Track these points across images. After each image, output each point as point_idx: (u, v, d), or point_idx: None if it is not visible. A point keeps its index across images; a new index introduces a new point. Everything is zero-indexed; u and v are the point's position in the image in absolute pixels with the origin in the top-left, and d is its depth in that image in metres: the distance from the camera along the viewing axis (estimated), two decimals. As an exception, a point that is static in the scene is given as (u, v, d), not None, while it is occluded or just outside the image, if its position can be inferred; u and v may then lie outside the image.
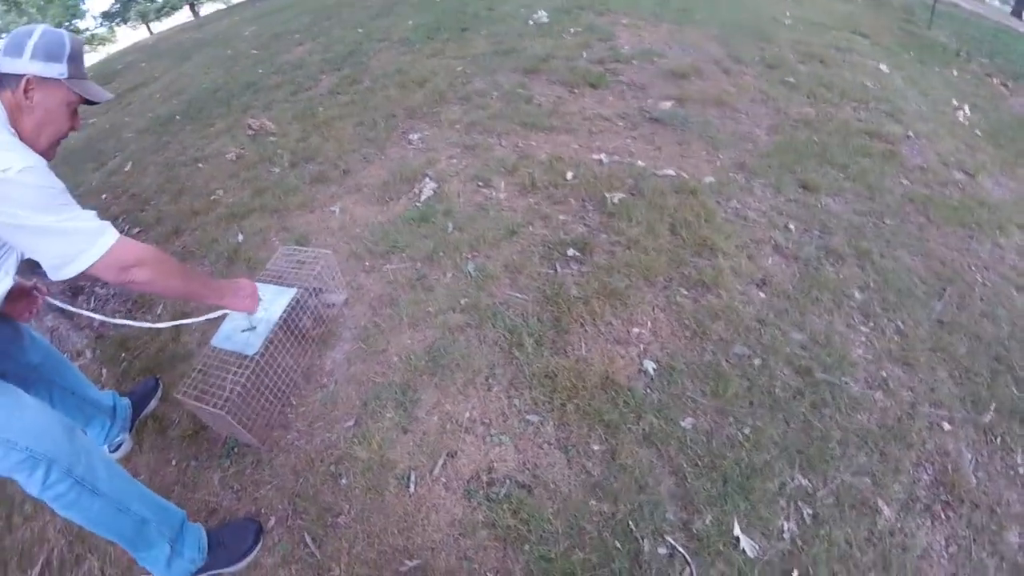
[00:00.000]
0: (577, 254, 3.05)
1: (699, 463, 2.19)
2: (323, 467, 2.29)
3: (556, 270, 2.97)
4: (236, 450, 2.39)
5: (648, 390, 2.41)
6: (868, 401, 2.44)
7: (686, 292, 2.83)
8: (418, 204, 3.54)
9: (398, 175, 3.82)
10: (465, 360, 2.58)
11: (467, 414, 2.40)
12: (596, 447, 2.24)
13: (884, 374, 2.57)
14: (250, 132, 4.74)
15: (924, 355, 2.67)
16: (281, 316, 2.23)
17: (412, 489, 2.18)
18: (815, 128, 4.34)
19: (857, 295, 2.95)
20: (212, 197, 4.08)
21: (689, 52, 5.48)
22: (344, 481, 2.24)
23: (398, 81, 5.15)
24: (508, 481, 2.17)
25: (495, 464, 2.23)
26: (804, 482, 2.16)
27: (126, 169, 4.92)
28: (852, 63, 5.81)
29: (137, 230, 4.04)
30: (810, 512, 2.08)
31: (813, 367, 2.53)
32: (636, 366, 2.50)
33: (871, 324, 2.81)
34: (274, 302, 2.29)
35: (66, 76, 1.63)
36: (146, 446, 2.49)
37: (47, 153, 1.67)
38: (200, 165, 4.51)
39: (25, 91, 1.57)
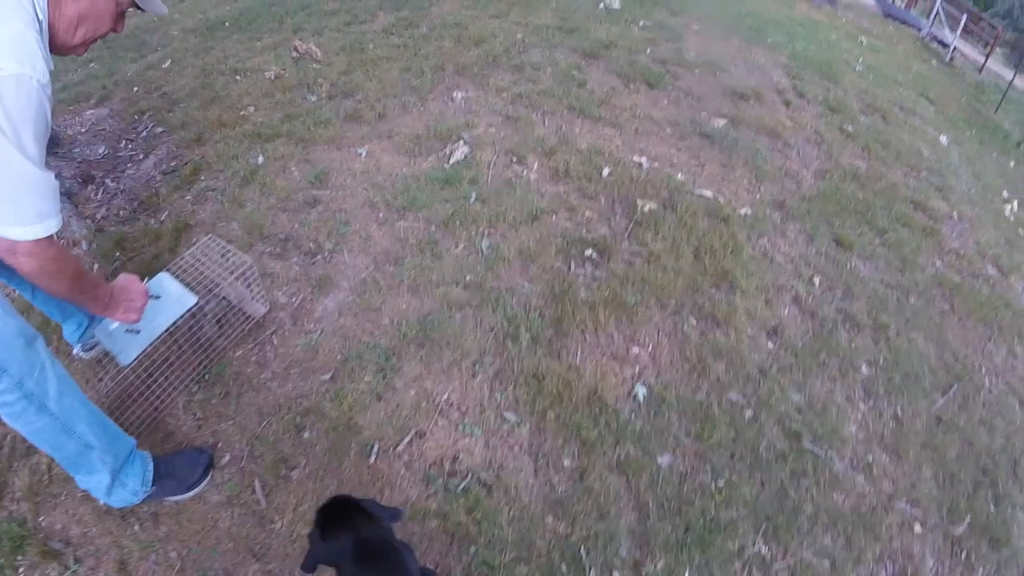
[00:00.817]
0: (595, 256, 2.90)
1: (666, 504, 2.08)
2: (289, 416, 2.18)
3: (570, 267, 2.82)
4: (207, 378, 2.28)
5: (633, 416, 2.29)
6: (848, 482, 2.32)
7: (695, 322, 2.69)
8: (446, 165, 3.38)
9: (433, 131, 3.65)
10: (456, 339, 2.45)
11: (445, 396, 2.29)
12: (567, 462, 2.13)
13: (871, 458, 2.44)
14: (295, 54, 4.54)
15: (915, 448, 2.54)
16: (167, 329, 1.97)
17: (372, 460, 2.09)
18: (862, 184, 4.14)
19: (864, 369, 2.81)
20: (242, 112, 3.91)
21: (754, 73, 5.25)
22: (307, 435, 2.14)
23: (455, 35, 4.92)
24: (470, 475, 2.07)
25: (461, 455, 2.13)
26: (764, 550, 2.04)
27: (164, 66, 4.73)
28: (913, 126, 5.57)
29: (161, 130, 3.88)
30: (762, 584, 1.96)
31: (803, 433, 2.40)
32: (627, 388, 2.38)
33: (871, 403, 2.68)
34: (166, 310, 1.99)
35: None
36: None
37: (77, 49, 1.46)
38: (238, 77, 4.33)
39: None
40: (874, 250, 3.56)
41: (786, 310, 2.93)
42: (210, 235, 2.33)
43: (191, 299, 2.03)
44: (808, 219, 3.57)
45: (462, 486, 2.03)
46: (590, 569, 1.89)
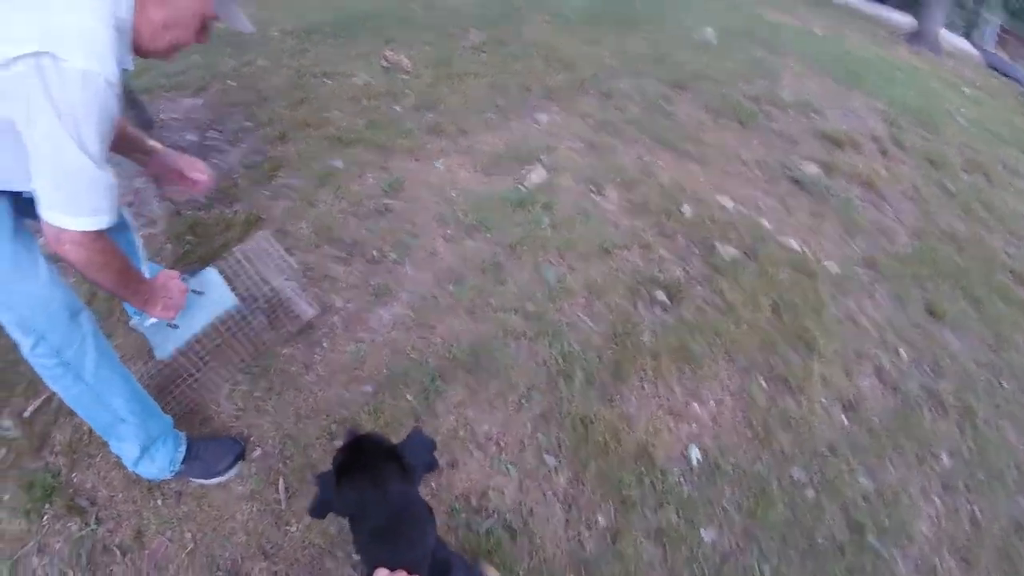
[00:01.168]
0: (665, 299, 2.72)
1: (702, 586, 1.88)
2: (325, 422, 2.13)
3: (637, 308, 2.66)
4: (255, 370, 2.25)
5: (682, 480, 2.10)
6: None
7: (765, 385, 2.47)
8: (522, 187, 3.28)
9: (512, 151, 3.56)
10: (507, 370, 2.33)
11: (485, 428, 2.16)
12: (601, 520, 1.97)
13: (938, 563, 2.17)
14: (385, 64, 4.56)
15: (988, 556, 2.24)
16: (203, 329, 1.92)
17: None
18: (960, 247, 3.80)
19: (945, 459, 2.53)
20: (327, 115, 3.93)
21: (849, 118, 4.94)
22: (338, 442, 2.02)
23: (544, 56, 4.84)
24: (496, 516, 1.94)
25: (491, 492, 2.00)
26: None
27: (259, 63, 4.84)
28: (1018, 188, 5.10)
29: (249, 124, 3.95)
30: None
31: (867, 526, 2.16)
32: (681, 448, 2.19)
33: (947, 499, 2.40)
34: (206, 307, 1.96)
35: None
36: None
37: (162, 54, 1.45)
38: (327, 81, 4.37)
39: None
40: (968, 322, 3.24)
41: (866, 381, 2.68)
42: (263, 232, 2.27)
43: (232, 300, 1.99)
44: (900, 282, 3.28)
45: (486, 527, 1.90)
46: (610, 642, 1.73)
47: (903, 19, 13.42)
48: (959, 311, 3.29)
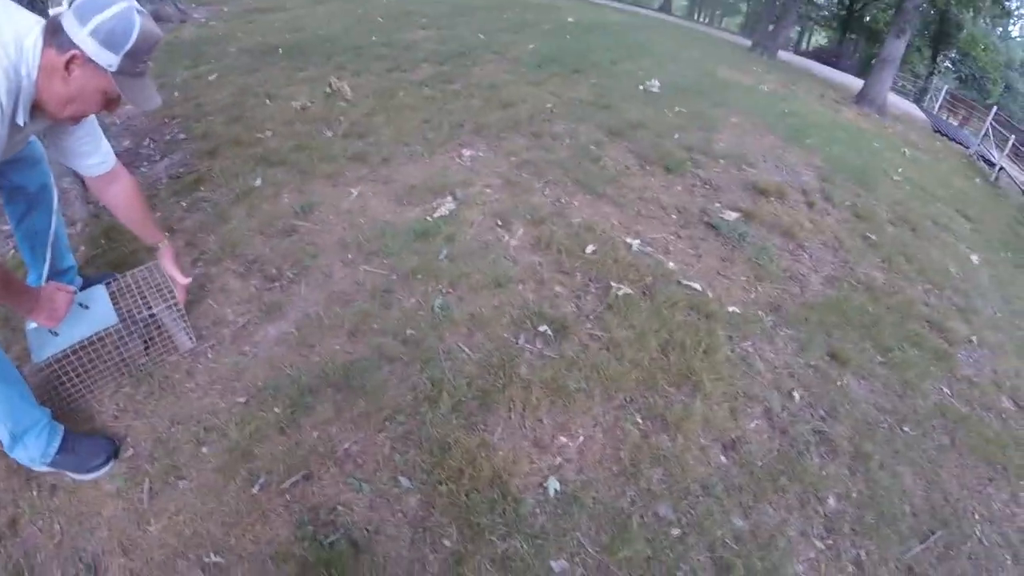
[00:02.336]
0: (549, 333, 2.71)
1: (545, 619, 1.82)
2: (195, 428, 2.16)
3: (519, 341, 2.65)
4: (142, 374, 2.31)
5: (537, 511, 2.05)
6: None
7: (640, 421, 2.45)
8: (428, 219, 3.30)
9: (428, 183, 3.60)
10: (375, 391, 2.31)
11: (346, 446, 2.14)
12: (447, 543, 1.91)
13: (812, 610, 2.10)
14: (327, 90, 4.67)
15: None
16: (77, 342, 2.04)
17: (255, 490, 1.99)
18: (876, 297, 3.84)
19: (831, 502, 2.48)
20: (259, 135, 4.00)
21: (782, 171, 5.05)
22: (204, 450, 2.10)
23: (486, 96, 4.96)
24: (343, 531, 1.91)
25: (341, 508, 1.97)
26: None
27: (210, 79, 4.93)
28: (944, 242, 5.22)
29: (183, 136, 4.04)
30: None
31: (735, 567, 2.09)
32: (539, 479, 2.15)
33: (830, 541, 2.34)
34: (88, 322, 2.08)
35: (114, 70, 1.55)
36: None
37: (70, 120, 1.66)
38: (268, 102, 4.46)
39: (68, 63, 1.50)
40: (873, 369, 3.24)
41: (752, 423, 2.65)
42: (154, 263, 2.33)
43: (113, 319, 2.11)
44: (804, 327, 3.29)
45: (331, 540, 1.87)
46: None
47: (854, 82, 14.02)
48: (866, 358, 3.30)
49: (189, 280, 2.36)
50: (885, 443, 2.84)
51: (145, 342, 2.34)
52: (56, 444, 1.91)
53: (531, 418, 2.32)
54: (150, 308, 2.24)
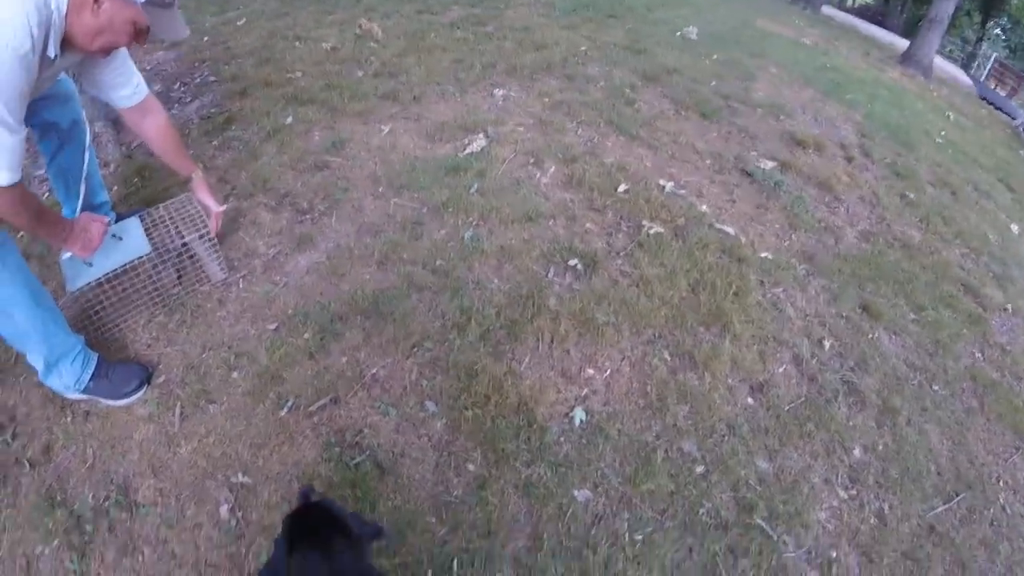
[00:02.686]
0: (579, 267, 2.67)
1: (564, 543, 1.82)
2: (226, 354, 2.18)
3: (548, 274, 2.61)
4: (174, 303, 2.33)
5: (562, 440, 2.04)
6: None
7: (668, 358, 2.41)
8: (459, 155, 3.24)
9: (460, 121, 3.54)
10: (404, 318, 2.30)
11: (374, 371, 2.15)
12: (471, 467, 1.92)
13: (834, 555, 2.06)
14: (357, 31, 4.57)
15: (892, 556, 2.13)
16: (111, 271, 2.05)
17: (283, 413, 2.01)
18: (911, 256, 3.71)
19: (857, 452, 2.43)
20: (289, 75, 3.96)
21: (821, 124, 4.86)
22: (235, 375, 2.13)
23: (519, 38, 4.82)
24: (369, 453, 1.92)
25: (367, 431, 1.98)
26: None
27: (238, 23, 4.86)
28: (984, 208, 4.99)
29: (213, 79, 4.01)
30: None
31: (758, 507, 2.07)
32: (565, 409, 2.14)
33: (853, 491, 2.30)
34: (122, 252, 2.09)
35: (143, 0, 1.56)
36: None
37: (99, 53, 1.63)
38: (297, 44, 4.39)
39: None
40: (905, 326, 3.15)
41: (781, 368, 2.60)
42: (187, 194, 2.33)
43: (146, 248, 2.12)
44: (837, 277, 3.20)
45: (356, 461, 1.89)
46: (456, 585, 1.67)
47: (900, 42, 13.38)
48: (898, 314, 3.20)
49: (224, 207, 2.36)
50: (914, 400, 2.76)
51: (178, 272, 2.35)
52: (90, 371, 1.95)
53: (559, 349, 2.30)
54: (183, 237, 2.24)
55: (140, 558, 1.70)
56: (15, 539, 1.73)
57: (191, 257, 2.35)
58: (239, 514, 1.78)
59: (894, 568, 2.11)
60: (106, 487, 1.83)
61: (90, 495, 1.81)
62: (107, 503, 1.80)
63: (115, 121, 3.37)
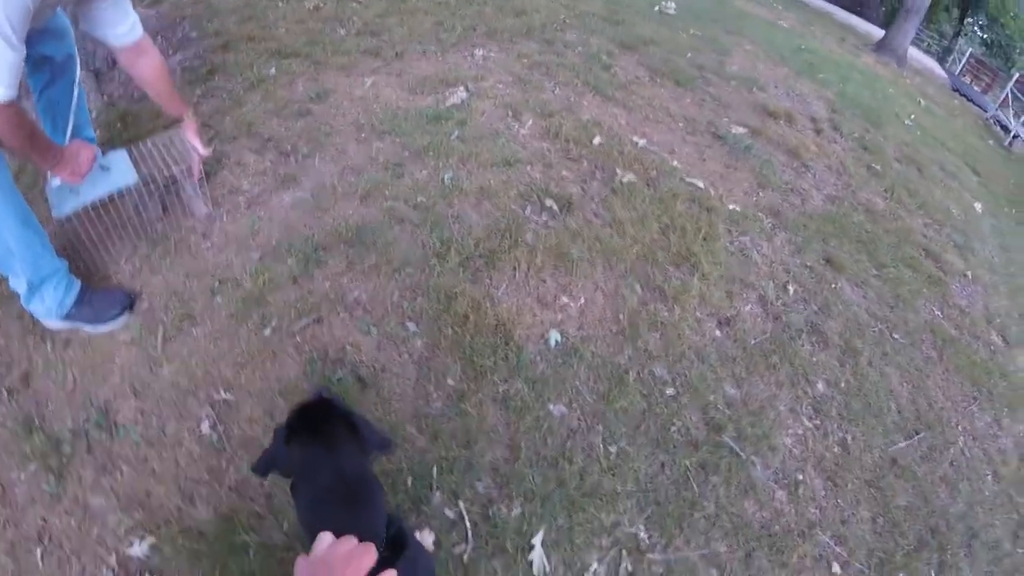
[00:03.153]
0: (554, 208, 2.73)
1: (542, 452, 1.89)
2: (210, 281, 2.20)
3: (524, 212, 2.67)
4: (156, 236, 2.33)
5: (537, 359, 2.11)
6: (766, 494, 2.05)
7: (639, 290, 2.49)
8: (441, 106, 3.27)
9: (441, 76, 3.56)
10: (386, 247, 2.35)
11: (356, 294, 2.19)
12: (450, 382, 1.98)
13: (800, 477, 2.16)
14: (341, -7, 4.54)
15: (856, 483, 2.23)
16: (96, 198, 2.05)
17: (267, 332, 2.04)
18: (875, 220, 3.83)
19: (820, 386, 2.54)
20: (272, 31, 3.94)
21: (792, 99, 4.98)
22: (218, 299, 2.15)
23: (499, 4, 4.85)
24: (350, 368, 1.97)
25: (349, 347, 2.03)
26: (643, 535, 1.82)
27: (219, -19, 4.78)
28: (948, 187, 5.14)
29: (195, 34, 3.96)
30: (628, 568, 1.74)
31: (726, 428, 2.16)
32: (541, 331, 2.20)
33: (817, 421, 2.40)
34: (108, 181, 2.09)
35: None
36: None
37: None
38: (280, 3, 4.37)
39: None
40: (867, 279, 3.26)
41: (748, 307, 2.70)
42: (176, 129, 2.32)
43: (133, 178, 2.12)
44: (802, 232, 3.30)
45: (338, 376, 1.93)
46: (436, 490, 1.73)
47: (876, 32, 13.61)
48: (860, 268, 3.31)
49: (209, 151, 2.36)
50: (875, 344, 2.87)
51: (163, 207, 2.36)
52: (73, 296, 1.94)
53: (535, 278, 2.36)
54: (169, 169, 2.24)
55: (119, 476, 1.71)
56: (-9, 467, 1.70)
57: (177, 191, 2.36)
58: (220, 429, 1.81)
59: (858, 494, 2.21)
60: (86, 410, 1.83)
61: (69, 419, 1.80)
62: (86, 425, 1.79)
63: (96, 72, 3.37)
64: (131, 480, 1.71)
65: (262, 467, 1.11)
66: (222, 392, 1.89)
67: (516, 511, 1.75)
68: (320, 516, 0.98)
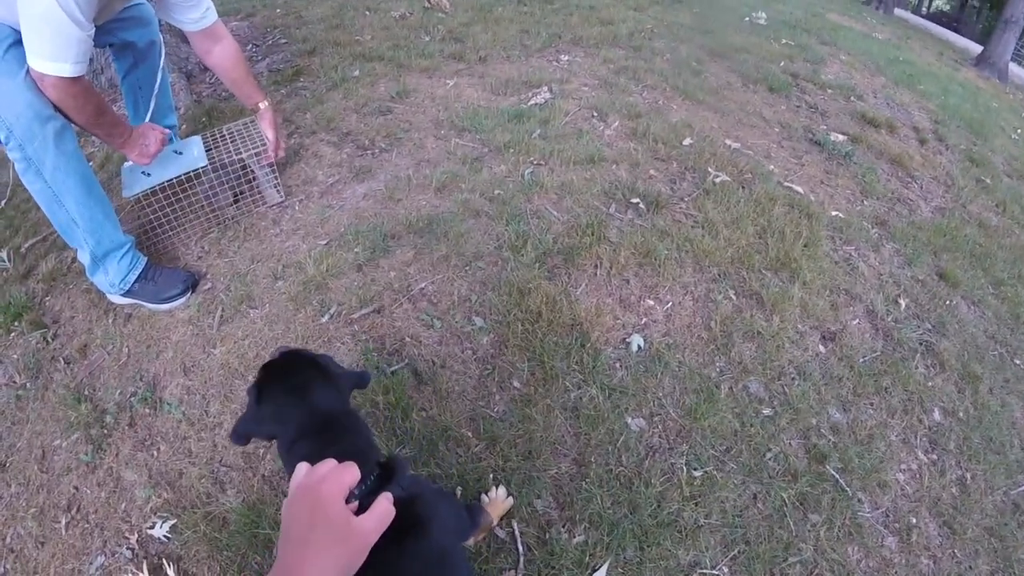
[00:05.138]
0: (641, 206, 2.40)
1: (613, 472, 1.56)
2: (274, 265, 2.05)
3: (609, 210, 2.35)
4: (228, 222, 2.22)
5: (616, 365, 1.78)
6: (873, 539, 1.63)
7: (734, 296, 2.11)
8: (524, 105, 3.02)
9: (524, 78, 3.32)
10: (457, 237, 2.11)
11: (422, 285, 1.95)
12: (516, 384, 1.68)
13: (914, 521, 1.73)
14: (427, 5, 4.43)
15: (976, 531, 1.78)
16: (170, 179, 1.97)
17: (325, 319, 1.84)
18: (988, 235, 3.26)
19: (937, 415, 2.08)
20: (358, 38, 3.85)
21: (893, 108, 4.41)
22: (280, 283, 1.98)
23: (586, 15, 4.58)
24: (408, 362, 1.72)
25: (409, 340, 1.78)
26: None
27: (309, -7, 4.80)
28: (1063, 208, 4.41)
29: (284, 41, 3.97)
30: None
31: (830, 456, 1.75)
32: (622, 335, 1.87)
33: (934, 456, 1.95)
34: (179, 164, 2.01)
35: None
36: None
37: None
38: (367, 13, 4.30)
39: None
40: (984, 297, 2.73)
41: (854, 320, 2.26)
42: (252, 119, 2.21)
43: (203, 161, 2.04)
44: (911, 244, 2.81)
45: (394, 368, 1.69)
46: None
47: (975, 48, 12.44)
48: (975, 285, 2.79)
49: (283, 143, 2.22)
50: (995, 370, 2.38)
51: (235, 194, 2.23)
52: (137, 271, 1.86)
53: (617, 278, 2.04)
54: (241, 157, 2.12)
55: (155, 452, 1.58)
56: (36, 431, 1.64)
57: (249, 179, 2.23)
58: None
59: (977, 543, 1.77)
60: (135, 383, 1.73)
61: (117, 391, 1.71)
62: (132, 399, 1.68)
63: (188, 73, 3.43)
64: (166, 458, 1.56)
65: (239, 433, 0.99)
66: (271, 377, 1.70)
67: (579, 537, 1.43)
68: (302, 457, 0.81)
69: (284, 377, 0.98)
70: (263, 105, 2.11)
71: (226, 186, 2.18)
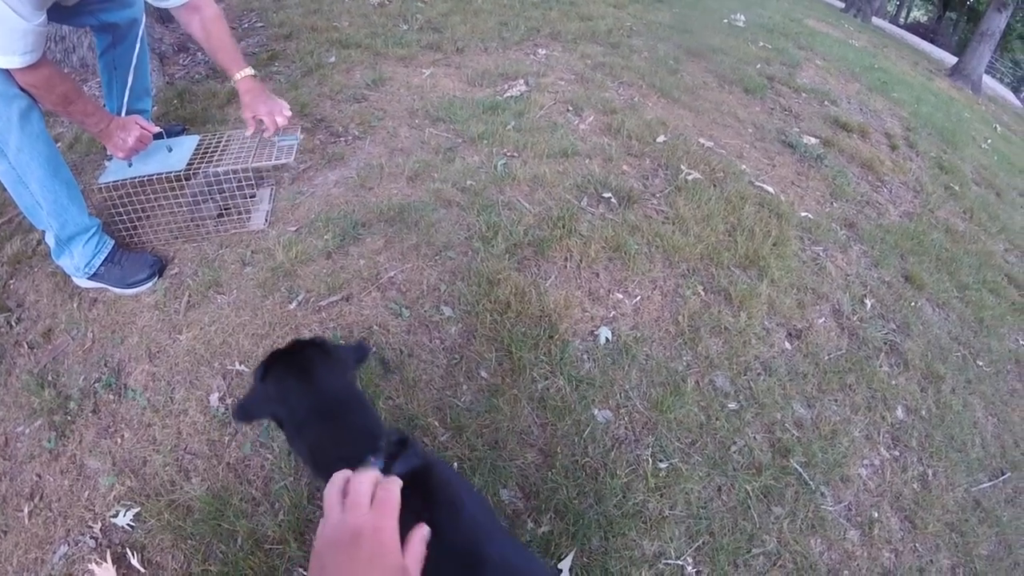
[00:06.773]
0: (613, 200, 2.42)
1: (579, 463, 1.58)
2: (243, 251, 2.02)
3: (581, 203, 2.37)
4: (206, 235, 2.14)
5: (584, 356, 1.80)
6: (836, 532, 1.68)
7: (702, 292, 2.15)
8: (499, 97, 3.02)
9: (501, 70, 3.33)
10: (428, 227, 2.10)
11: (391, 274, 1.94)
12: (484, 374, 1.69)
13: (876, 515, 1.79)
14: (407, -7, 4.40)
15: (937, 526, 1.85)
16: (146, 176, 1.90)
17: (292, 306, 1.83)
18: (955, 240, 3.37)
19: (900, 412, 2.15)
20: (335, 24, 3.82)
21: (866, 114, 4.52)
22: (248, 269, 1.96)
23: (565, 10, 4.60)
24: (375, 350, 1.71)
25: (377, 328, 1.78)
26: (690, 569, 1.48)
27: (289, -23, 4.73)
28: (1033, 215, 4.58)
29: (260, 25, 3.90)
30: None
31: (794, 450, 1.80)
32: (590, 327, 1.90)
33: (896, 452, 2.01)
34: (162, 163, 1.93)
35: None
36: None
37: None
38: (346, 0, 4.24)
39: None
40: (949, 300, 2.82)
41: (820, 319, 2.32)
42: (254, 131, 2.06)
43: (181, 166, 1.95)
44: (879, 246, 2.89)
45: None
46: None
47: (950, 59, 12.79)
48: (941, 288, 2.88)
49: (287, 108, 2.04)
50: (958, 371, 2.47)
51: (221, 209, 2.11)
52: (103, 255, 1.83)
53: (587, 271, 2.06)
54: (236, 171, 1.98)
55: (119, 440, 1.55)
56: (-2, 417, 1.59)
57: (232, 199, 2.10)
58: (228, 402, 1.61)
59: (938, 538, 1.84)
60: (99, 369, 1.70)
61: (81, 377, 1.67)
62: (96, 385, 1.65)
63: (161, 55, 3.37)
64: (130, 445, 1.53)
65: (243, 411, 0.98)
66: (237, 364, 1.69)
67: (544, 527, 1.44)
68: (314, 437, 0.90)
69: (290, 358, 0.98)
70: (245, 73, 1.96)
71: (217, 197, 2.07)
